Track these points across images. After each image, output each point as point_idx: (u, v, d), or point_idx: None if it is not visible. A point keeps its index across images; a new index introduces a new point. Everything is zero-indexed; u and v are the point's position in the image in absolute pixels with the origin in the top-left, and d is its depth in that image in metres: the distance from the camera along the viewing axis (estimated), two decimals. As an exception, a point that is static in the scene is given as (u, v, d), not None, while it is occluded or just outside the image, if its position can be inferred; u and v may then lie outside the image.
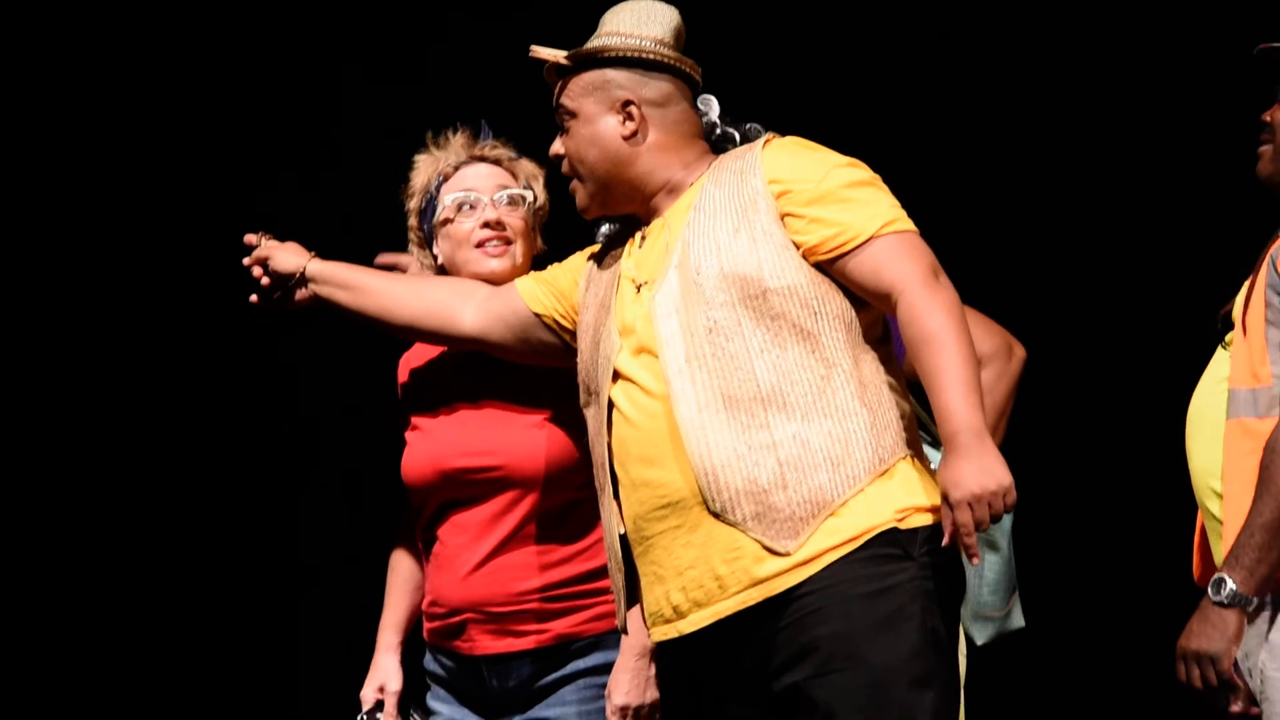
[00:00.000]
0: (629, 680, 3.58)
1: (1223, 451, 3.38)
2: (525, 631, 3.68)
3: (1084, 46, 5.30)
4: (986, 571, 3.97)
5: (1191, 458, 3.50)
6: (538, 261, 3.80)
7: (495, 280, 3.73)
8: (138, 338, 5.83)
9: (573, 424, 3.59)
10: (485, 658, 3.71)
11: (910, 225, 3.25)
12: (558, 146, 3.43)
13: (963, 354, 3.15)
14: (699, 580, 3.21)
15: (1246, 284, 3.42)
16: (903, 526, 3.16)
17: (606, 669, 3.64)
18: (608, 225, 3.57)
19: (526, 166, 3.84)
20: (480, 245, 3.75)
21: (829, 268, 3.22)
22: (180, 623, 5.88)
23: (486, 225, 3.74)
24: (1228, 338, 3.47)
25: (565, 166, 3.43)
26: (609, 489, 3.33)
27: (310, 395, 5.86)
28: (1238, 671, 3.26)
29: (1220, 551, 3.40)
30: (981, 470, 3.08)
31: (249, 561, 5.86)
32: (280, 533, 5.88)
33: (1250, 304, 3.38)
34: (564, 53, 3.40)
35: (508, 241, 3.76)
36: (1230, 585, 3.19)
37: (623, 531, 3.32)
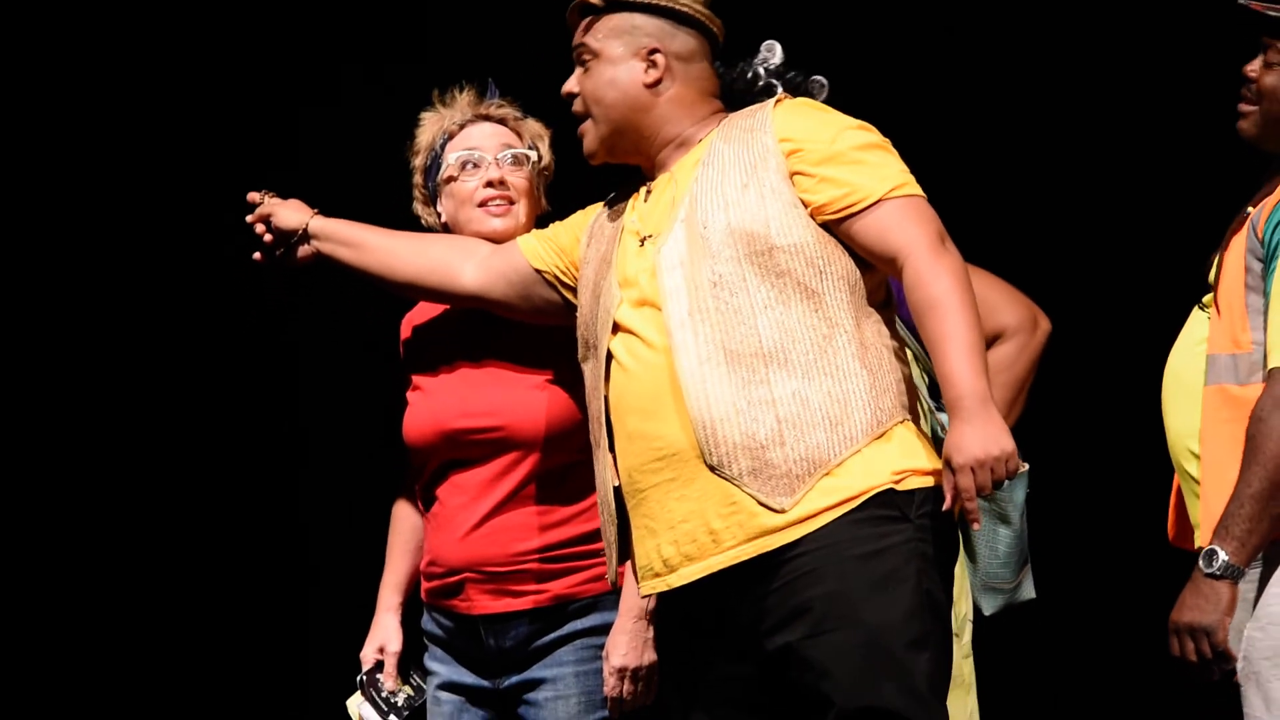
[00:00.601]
0: (627, 642, 3.59)
1: (1201, 416, 3.38)
2: (523, 592, 3.69)
3: (1081, 23, 5.33)
4: (998, 544, 3.96)
5: (1169, 419, 3.50)
6: (541, 221, 3.80)
7: (498, 240, 3.73)
8: (138, 336, 5.85)
9: (574, 385, 3.59)
10: (483, 617, 3.71)
11: (919, 190, 3.26)
12: (573, 84, 3.42)
13: (968, 320, 3.16)
14: (692, 534, 3.22)
15: (1221, 247, 3.43)
16: (900, 488, 3.17)
17: (604, 630, 3.64)
18: None
19: (532, 126, 3.84)
20: (483, 204, 3.76)
21: (835, 228, 3.23)
22: (187, 618, 5.89)
23: (490, 184, 3.75)
24: (1206, 299, 3.47)
25: (579, 105, 3.42)
26: (604, 443, 3.33)
27: (309, 390, 5.89)
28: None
29: (1196, 511, 3.42)
30: (984, 436, 3.09)
31: (254, 557, 5.88)
32: (284, 527, 5.90)
33: (1224, 270, 3.38)
34: None
35: (511, 201, 3.76)
36: (1222, 557, 3.18)
37: (617, 484, 3.32)
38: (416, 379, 3.81)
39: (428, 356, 3.82)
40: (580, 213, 3.60)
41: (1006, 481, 3.14)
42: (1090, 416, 5.21)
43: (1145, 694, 5.16)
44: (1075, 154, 5.36)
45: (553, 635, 3.69)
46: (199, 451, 5.91)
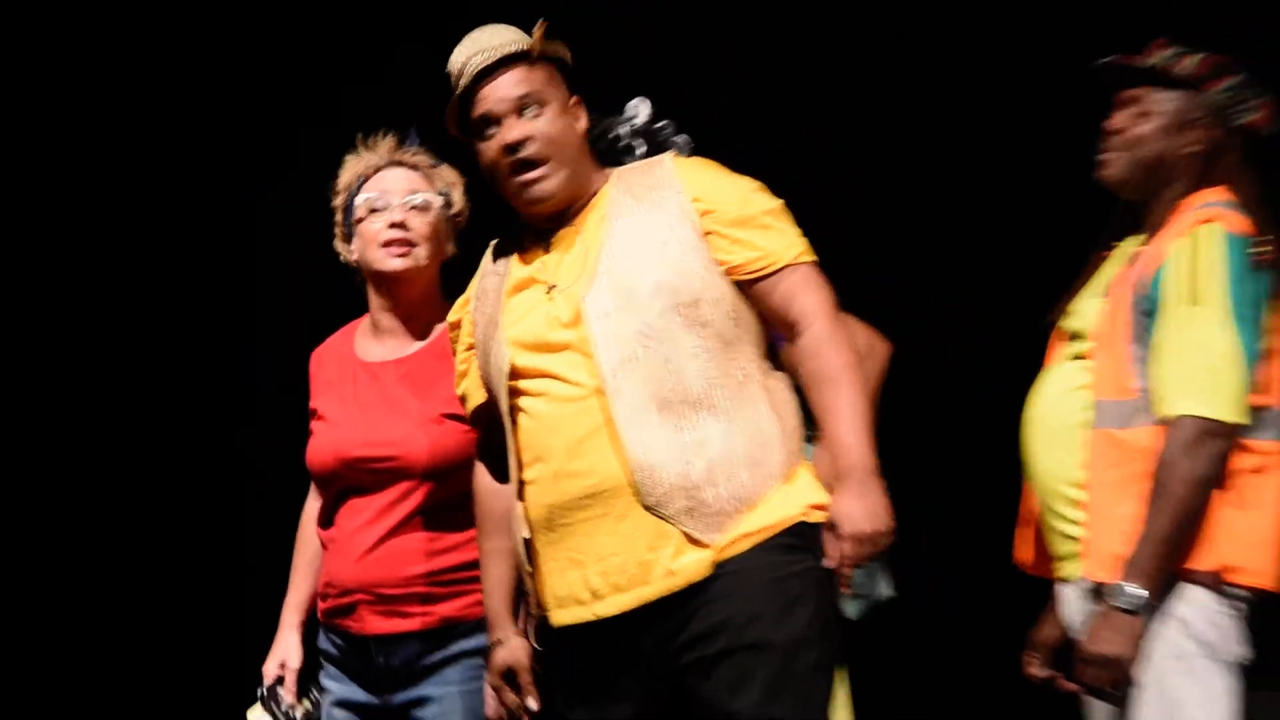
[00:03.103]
0: None
1: (1087, 459, 3.59)
2: (412, 613, 3.83)
3: (938, 67, 5.53)
4: None
5: (1036, 462, 3.71)
6: (448, 267, 3.95)
7: (396, 278, 3.88)
8: (105, 333, 6.00)
9: (465, 421, 3.70)
10: (374, 637, 3.85)
11: (813, 255, 3.45)
12: (528, 130, 3.43)
13: (863, 394, 3.40)
14: (621, 566, 3.36)
15: (1104, 300, 3.66)
16: (809, 520, 3.38)
17: (487, 651, 3.71)
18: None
19: (446, 174, 3.98)
20: (386, 245, 3.89)
21: (745, 287, 3.43)
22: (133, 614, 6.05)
23: (392, 226, 3.89)
24: (1079, 349, 3.68)
25: (538, 149, 3.44)
26: (515, 493, 3.46)
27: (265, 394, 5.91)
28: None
29: (1061, 545, 3.66)
30: (872, 512, 3.33)
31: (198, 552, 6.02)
32: (227, 523, 6.02)
33: (1113, 320, 3.61)
34: (537, 41, 3.47)
35: (410, 244, 3.90)
36: (1137, 593, 3.45)
37: (526, 536, 3.43)
38: (321, 409, 3.95)
39: (332, 389, 3.97)
40: (458, 309, 3.67)
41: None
42: (933, 428, 5.42)
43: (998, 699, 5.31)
44: (923, 189, 5.60)
45: (440, 655, 3.84)
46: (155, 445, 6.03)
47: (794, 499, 3.39)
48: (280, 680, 4.04)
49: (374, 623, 3.85)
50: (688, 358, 3.36)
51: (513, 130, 3.43)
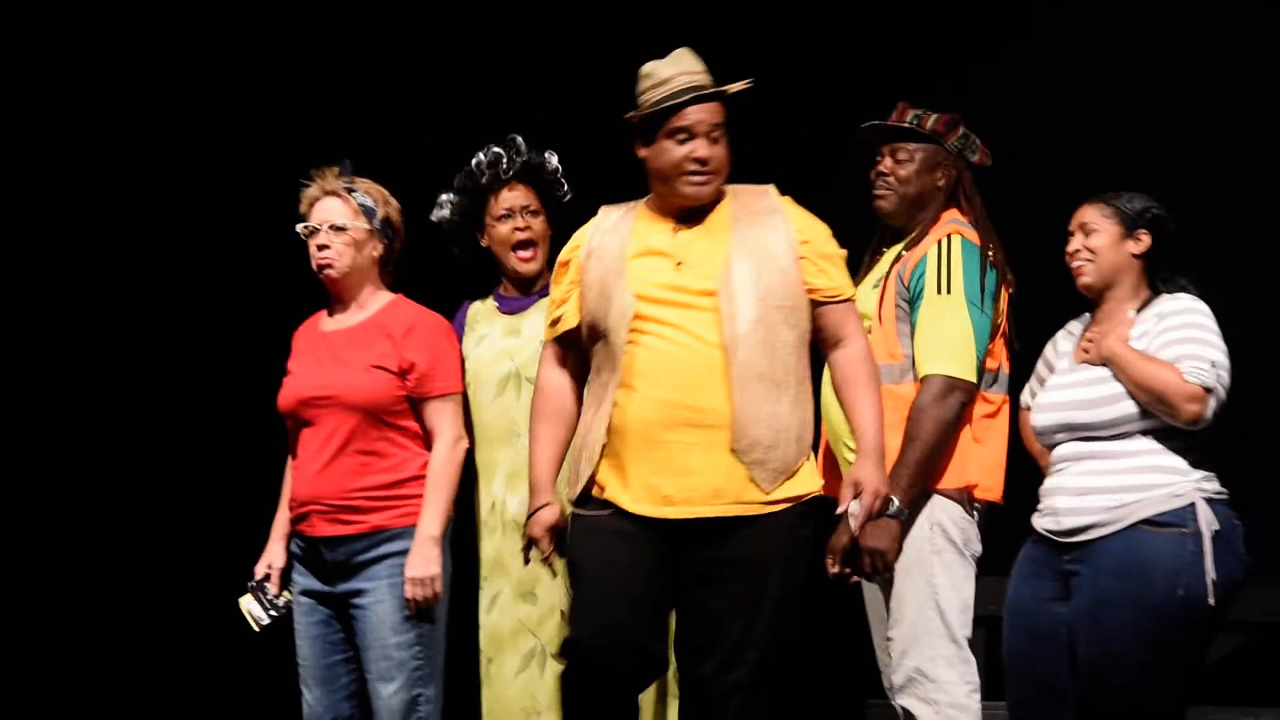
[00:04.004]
0: (420, 561, 4.60)
1: None
2: (350, 521, 4.63)
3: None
4: None
5: (829, 413, 4.58)
6: (397, 258, 4.81)
7: (327, 280, 4.72)
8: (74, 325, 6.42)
9: (389, 373, 4.60)
10: (322, 539, 4.66)
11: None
12: (714, 151, 4.23)
13: (880, 397, 4.24)
14: (695, 486, 4.13)
15: (877, 290, 4.51)
16: (822, 495, 4.24)
17: (407, 553, 4.61)
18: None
19: (369, 194, 4.75)
20: (317, 261, 4.72)
21: (814, 304, 4.25)
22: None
23: (319, 247, 4.74)
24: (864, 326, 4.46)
25: (714, 166, 4.23)
26: (605, 403, 4.19)
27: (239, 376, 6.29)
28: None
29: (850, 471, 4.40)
30: (882, 479, 4.20)
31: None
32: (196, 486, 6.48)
33: (883, 303, 4.51)
34: (736, 88, 4.25)
35: (330, 259, 4.70)
36: (896, 505, 4.34)
37: (604, 442, 4.17)
38: (290, 366, 4.83)
39: (300, 353, 4.83)
40: (568, 252, 4.38)
41: None
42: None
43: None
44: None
45: (372, 554, 4.63)
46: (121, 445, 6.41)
47: (814, 476, 4.24)
48: (268, 577, 4.81)
49: (322, 527, 4.64)
50: (781, 346, 4.16)
51: (704, 149, 4.25)
